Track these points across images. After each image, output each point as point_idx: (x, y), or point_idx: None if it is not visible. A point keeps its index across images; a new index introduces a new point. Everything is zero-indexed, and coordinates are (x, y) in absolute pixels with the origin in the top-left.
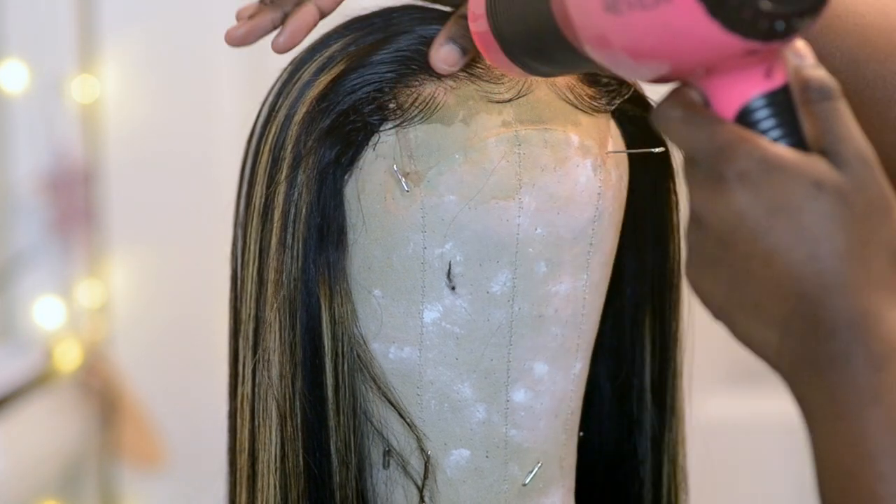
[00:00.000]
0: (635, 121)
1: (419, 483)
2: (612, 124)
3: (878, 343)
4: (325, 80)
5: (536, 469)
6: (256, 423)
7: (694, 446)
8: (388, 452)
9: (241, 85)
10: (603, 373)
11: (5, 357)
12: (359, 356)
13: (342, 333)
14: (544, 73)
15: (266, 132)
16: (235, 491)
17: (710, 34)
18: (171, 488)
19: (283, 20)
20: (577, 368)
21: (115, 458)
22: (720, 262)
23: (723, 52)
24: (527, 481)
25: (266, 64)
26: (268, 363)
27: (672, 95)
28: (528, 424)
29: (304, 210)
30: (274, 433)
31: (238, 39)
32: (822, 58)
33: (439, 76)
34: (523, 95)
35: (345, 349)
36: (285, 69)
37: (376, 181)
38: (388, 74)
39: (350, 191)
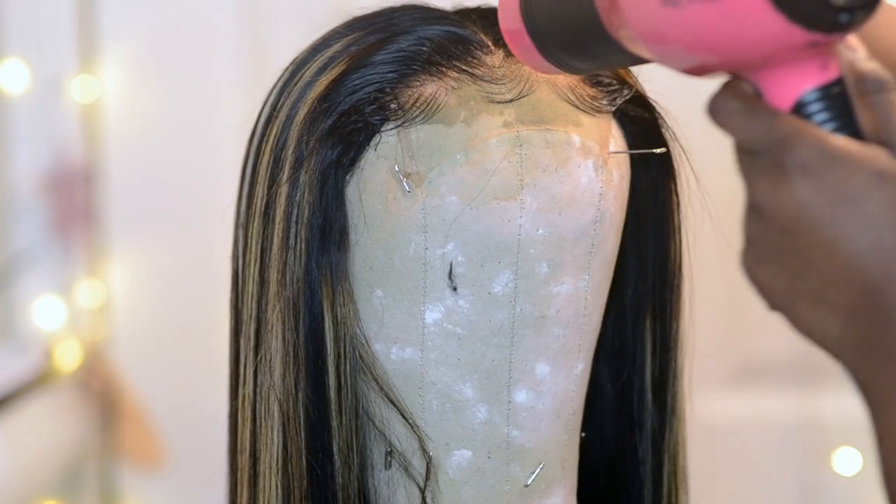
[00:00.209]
0: (637, 121)
1: (421, 484)
2: (614, 125)
3: None
4: (326, 80)
5: (538, 470)
6: (258, 423)
7: (694, 446)
8: (390, 453)
9: (241, 85)
10: (604, 373)
11: (5, 357)
12: (361, 357)
13: (344, 334)
14: (578, 70)
15: (267, 132)
16: (236, 491)
17: (774, 26)
18: (171, 488)
19: None
20: (579, 369)
21: (115, 458)
22: (782, 253)
23: (784, 44)
24: (529, 482)
25: (266, 64)
26: (270, 364)
27: (726, 88)
28: (530, 425)
29: (306, 211)
30: (276, 434)
31: None
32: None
33: (441, 76)
34: (525, 96)
35: (347, 350)
36: (286, 69)
37: (378, 181)
38: (390, 74)
39: (352, 191)
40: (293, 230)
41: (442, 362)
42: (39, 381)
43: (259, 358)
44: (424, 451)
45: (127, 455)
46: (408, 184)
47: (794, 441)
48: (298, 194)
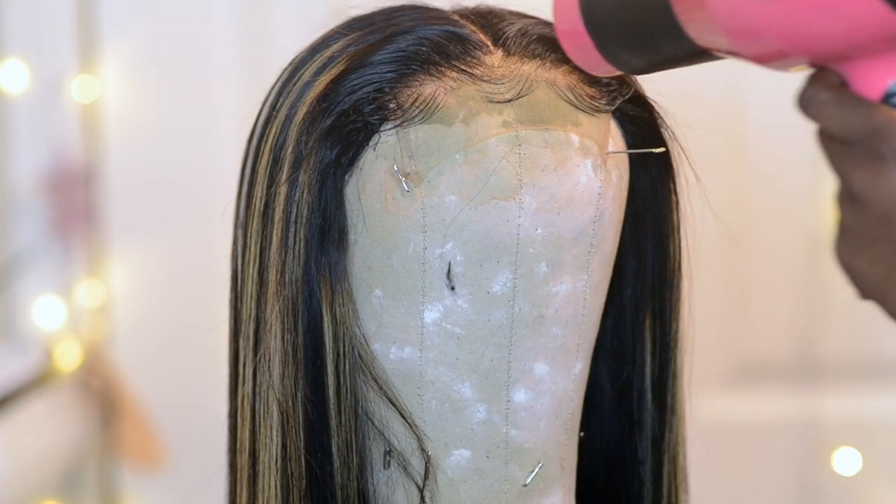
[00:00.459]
0: (636, 121)
1: (420, 483)
2: (613, 124)
3: None
4: (325, 79)
5: (537, 469)
6: (257, 423)
7: (694, 446)
8: (388, 452)
9: (241, 85)
10: (603, 373)
11: (5, 357)
12: (360, 356)
13: (343, 334)
14: (637, 68)
15: (266, 132)
16: (236, 491)
17: (877, 14)
18: (171, 488)
19: None
20: (578, 369)
21: (115, 458)
22: (880, 241)
23: (884, 33)
24: (527, 481)
25: (266, 64)
26: (269, 363)
27: (816, 79)
28: (529, 425)
29: (305, 210)
30: (275, 433)
31: None
32: None
33: (440, 76)
34: (524, 96)
35: (346, 349)
36: (285, 69)
37: (377, 181)
38: (389, 74)
39: (351, 191)
40: (292, 230)
41: (441, 362)
42: (39, 381)
43: (258, 357)
44: (423, 450)
45: (127, 455)
46: (407, 183)
47: (794, 441)
48: (297, 194)
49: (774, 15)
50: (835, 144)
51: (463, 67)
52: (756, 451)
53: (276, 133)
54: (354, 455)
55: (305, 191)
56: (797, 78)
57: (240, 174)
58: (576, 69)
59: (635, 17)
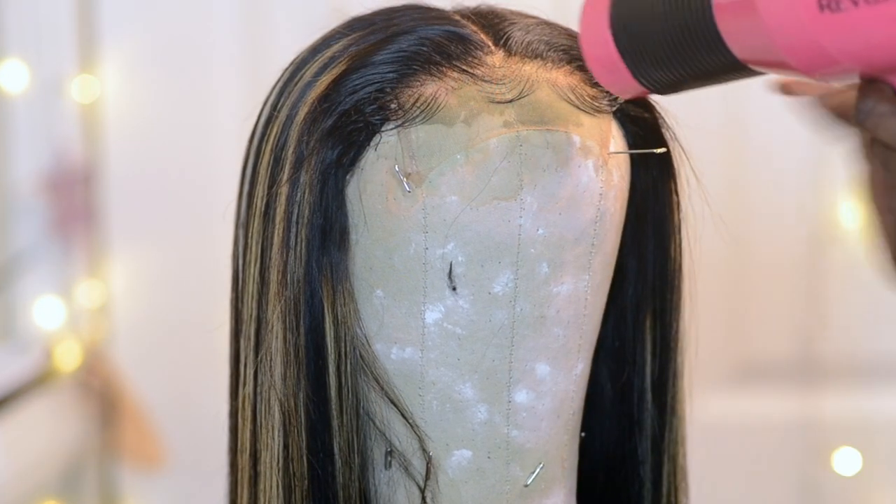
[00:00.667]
0: (637, 121)
1: (421, 483)
2: (614, 125)
3: None
4: (326, 80)
5: (538, 470)
6: (258, 423)
7: (694, 446)
8: (390, 453)
9: (241, 85)
10: (604, 373)
11: (5, 357)
12: (361, 357)
13: (345, 334)
14: (671, 86)
15: (268, 132)
16: (236, 491)
17: None
18: (171, 488)
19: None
20: (579, 369)
21: (115, 458)
22: None
23: None
24: (528, 482)
25: (266, 64)
26: (270, 364)
27: (870, 91)
28: (530, 425)
29: (306, 211)
30: (277, 434)
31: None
32: None
33: (441, 76)
34: (525, 96)
35: (347, 350)
36: (286, 69)
37: (378, 181)
38: (390, 74)
39: (352, 191)
40: (293, 230)
41: (442, 362)
42: (39, 381)
43: (259, 358)
44: (424, 450)
45: (127, 455)
46: (408, 184)
47: (794, 441)
48: (299, 194)
49: (838, 29)
50: (894, 154)
51: (464, 68)
52: (756, 452)
53: (277, 133)
54: (356, 455)
55: (307, 191)
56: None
57: (241, 174)
58: (577, 69)
59: (672, 31)
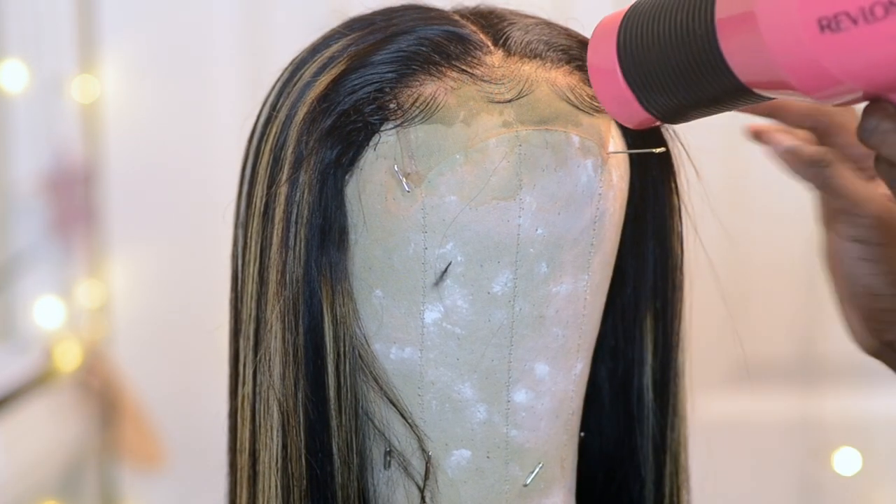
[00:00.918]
0: None
1: (420, 483)
2: (613, 124)
3: None
4: (326, 80)
5: (537, 469)
6: (258, 423)
7: (694, 446)
8: (389, 453)
9: (241, 85)
10: (604, 373)
11: (5, 357)
12: (360, 356)
13: (344, 334)
14: (677, 113)
15: (267, 132)
16: (236, 491)
17: None
18: (171, 488)
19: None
20: (578, 369)
21: (115, 458)
22: None
23: None
24: (528, 482)
25: (266, 64)
26: (269, 364)
27: (874, 110)
28: (529, 425)
29: (305, 211)
30: (276, 434)
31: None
32: None
33: (440, 76)
34: (524, 96)
35: (347, 349)
36: (286, 69)
37: (377, 181)
38: (389, 74)
39: (351, 191)
40: (293, 230)
41: (441, 362)
42: (39, 381)
43: (258, 358)
44: (423, 450)
45: (127, 455)
46: (407, 184)
47: (794, 441)
48: (298, 194)
49: (838, 48)
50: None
51: (463, 67)
52: (756, 451)
53: (276, 133)
54: (355, 455)
55: (306, 191)
56: None
57: (240, 174)
58: (576, 69)
59: (677, 56)
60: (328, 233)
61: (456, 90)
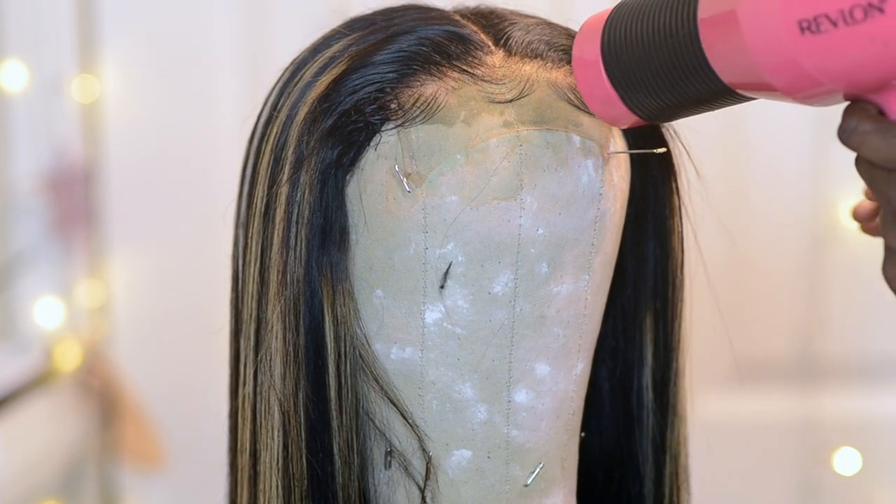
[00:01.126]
0: None
1: (421, 483)
2: None
3: None
4: (326, 80)
5: (538, 470)
6: (258, 423)
7: (694, 446)
8: (389, 453)
9: (241, 85)
10: (604, 373)
11: (5, 357)
12: (361, 356)
13: (345, 334)
14: (660, 112)
15: (268, 132)
16: (236, 491)
17: None
18: (171, 488)
19: None
20: (579, 369)
21: (115, 458)
22: None
23: None
24: (528, 482)
25: (266, 64)
26: (270, 364)
27: (854, 111)
28: (530, 425)
29: (306, 211)
30: (276, 434)
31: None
32: None
33: (441, 76)
34: (525, 96)
35: (347, 349)
36: (286, 69)
37: (378, 181)
38: (390, 74)
39: (352, 191)
40: (293, 230)
41: (442, 362)
42: (39, 381)
43: (259, 358)
44: (424, 450)
45: (127, 455)
46: (408, 184)
47: (794, 441)
48: (299, 194)
49: (818, 50)
50: (878, 171)
51: (464, 67)
52: (756, 451)
53: (277, 133)
54: (355, 455)
55: (307, 191)
56: None
57: (241, 174)
58: None
59: (661, 57)
60: (329, 233)
61: (457, 90)
